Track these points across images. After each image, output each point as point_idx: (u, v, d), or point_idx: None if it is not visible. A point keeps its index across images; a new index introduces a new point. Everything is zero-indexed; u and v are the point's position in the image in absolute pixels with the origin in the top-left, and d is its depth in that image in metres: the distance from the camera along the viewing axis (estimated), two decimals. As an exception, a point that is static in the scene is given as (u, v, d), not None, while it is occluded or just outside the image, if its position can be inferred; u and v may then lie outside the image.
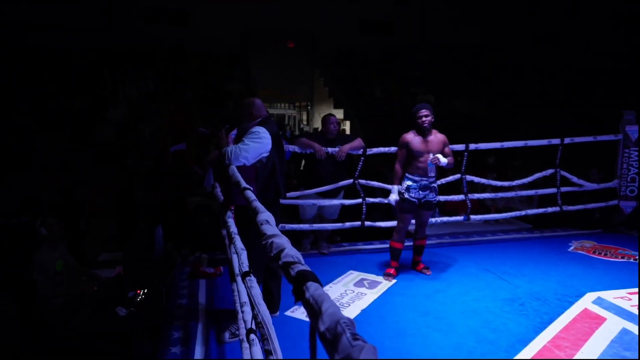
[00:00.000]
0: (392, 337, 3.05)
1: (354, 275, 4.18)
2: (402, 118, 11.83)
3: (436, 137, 4.04)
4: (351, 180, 4.78)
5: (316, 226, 4.75)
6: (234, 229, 2.46)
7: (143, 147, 7.26)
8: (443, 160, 3.89)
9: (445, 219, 5.26)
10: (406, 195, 4.02)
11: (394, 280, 4.06)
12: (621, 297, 3.69)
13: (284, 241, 1.27)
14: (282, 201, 4.68)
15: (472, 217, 5.22)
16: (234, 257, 2.32)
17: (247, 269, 1.94)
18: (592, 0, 13.98)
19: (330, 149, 4.58)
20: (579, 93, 12.68)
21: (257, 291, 1.74)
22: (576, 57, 13.89)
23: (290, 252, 1.19)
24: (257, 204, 1.75)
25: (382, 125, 11.34)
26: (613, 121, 5.77)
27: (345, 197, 4.93)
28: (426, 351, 2.85)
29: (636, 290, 3.83)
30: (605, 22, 13.80)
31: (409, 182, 3.99)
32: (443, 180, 5.16)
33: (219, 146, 2.92)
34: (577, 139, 5.47)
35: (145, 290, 3.36)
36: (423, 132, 4.00)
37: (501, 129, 10.28)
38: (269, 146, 2.95)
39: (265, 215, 1.57)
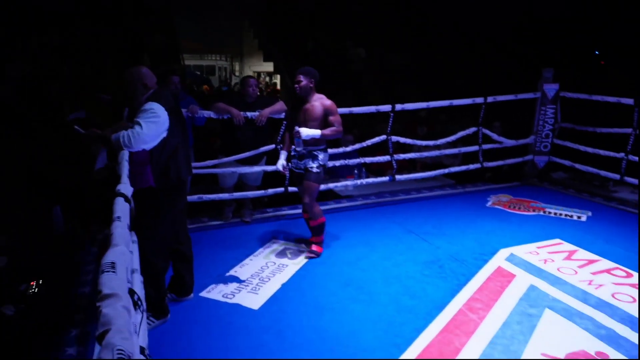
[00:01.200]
0: (311, 313, 2.97)
1: (276, 246, 4.05)
2: (333, 73, 11.57)
3: (314, 105, 3.67)
4: (273, 146, 4.55)
5: (237, 195, 4.52)
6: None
7: (45, 110, 6.48)
8: (304, 133, 3.56)
9: (371, 180, 5.22)
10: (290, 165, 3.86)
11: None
12: (530, 251, 3.87)
13: (116, 311, 0.95)
14: (200, 170, 4.41)
15: (397, 177, 5.23)
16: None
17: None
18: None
19: (249, 114, 4.29)
20: (505, 49, 12.95)
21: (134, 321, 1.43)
22: (505, 13, 14.03)
23: (115, 337, 0.86)
24: (115, 229, 1.46)
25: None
26: (533, 79, 5.89)
27: (268, 163, 4.72)
28: (345, 327, 2.82)
29: (544, 243, 4.03)
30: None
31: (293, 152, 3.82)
32: (369, 142, 5.08)
33: (101, 139, 2.57)
34: (500, 97, 5.54)
35: (41, 281, 3.01)
36: (301, 100, 3.74)
37: (433, 83, 10.34)
38: (167, 124, 2.63)
39: (114, 254, 1.23)
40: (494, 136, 5.61)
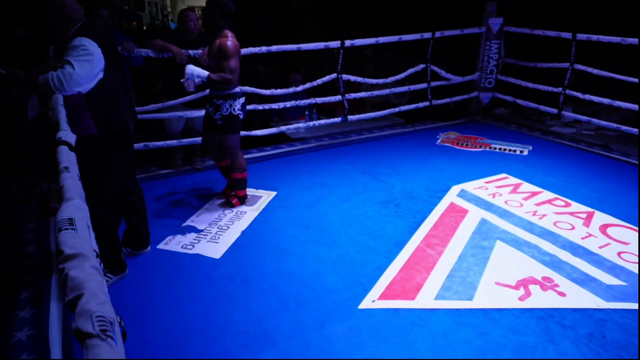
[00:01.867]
0: (274, 258, 2.97)
1: (232, 192, 3.94)
2: (275, 9, 10.96)
3: (214, 43, 3.32)
4: (221, 87, 4.29)
5: (185, 141, 4.29)
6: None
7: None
8: (188, 70, 3.22)
9: (323, 121, 5.14)
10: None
11: (275, 193, 3.93)
12: (479, 187, 4.05)
13: (86, 273, 0.84)
14: (144, 116, 4.10)
15: (350, 117, 5.18)
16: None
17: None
18: None
19: (192, 52, 3.97)
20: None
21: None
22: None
23: (90, 303, 0.75)
24: (66, 180, 1.30)
25: (255, 17, 10.40)
26: (477, 13, 5.88)
27: (217, 105, 4.46)
28: (309, 269, 2.84)
29: (491, 178, 4.23)
30: None
31: None
32: (319, 81, 4.94)
33: (27, 82, 2.26)
34: (447, 33, 5.52)
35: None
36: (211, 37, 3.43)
37: (378, 19, 10.10)
38: (102, 62, 2.35)
39: (70, 210, 1.08)
40: (442, 73, 5.64)
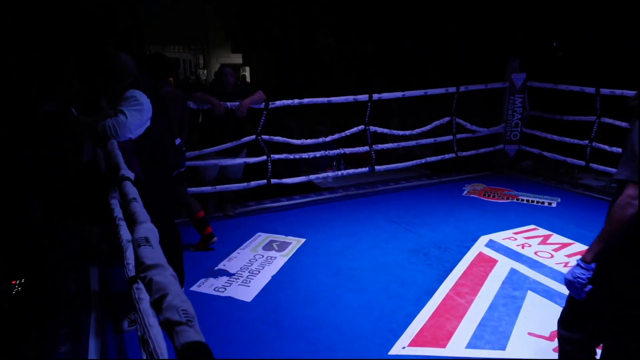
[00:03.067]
0: (304, 302, 3.00)
1: (262, 238, 4.04)
2: (303, 64, 11.53)
3: None
4: (254, 137, 4.52)
5: (219, 188, 4.47)
6: (118, 212, 2.12)
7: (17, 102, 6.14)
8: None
9: (350, 171, 5.27)
10: None
11: (304, 239, 4.01)
12: (508, 237, 4.03)
13: (167, 279, 0.99)
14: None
15: (377, 167, 5.30)
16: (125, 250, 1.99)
17: (133, 272, 1.64)
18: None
19: (229, 104, 4.23)
20: (473, 40, 13.27)
21: (145, 305, 1.43)
22: (470, 6, 14.34)
23: (175, 300, 0.90)
24: (136, 208, 1.44)
25: (284, 72, 10.97)
26: (501, 69, 6.08)
27: (248, 155, 4.68)
28: (340, 314, 2.86)
29: (520, 229, 4.21)
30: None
31: None
32: (348, 132, 5.12)
33: (86, 128, 2.48)
34: (471, 87, 5.70)
35: (23, 280, 2.89)
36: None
37: (404, 73, 10.48)
38: (150, 112, 2.57)
39: (144, 230, 1.25)
40: (468, 125, 5.77)
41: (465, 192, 5.37)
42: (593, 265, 1.75)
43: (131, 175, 1.85)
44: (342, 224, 4.37)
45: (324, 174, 5.23)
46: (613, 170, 5.04)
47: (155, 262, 1.04)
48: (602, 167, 5.23)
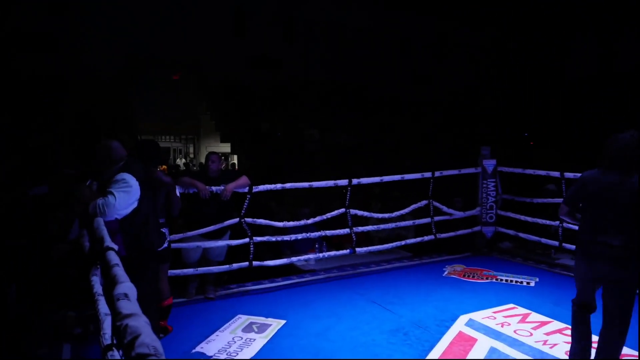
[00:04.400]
0: (282, 384, 2.94)
1: (242, 320, 4.01)
2: (288, 153, 12.05)
3: None
4: (237, 220, 4.65)
5: (201, 270, 4.50)
6: (97, 288, 2.17)
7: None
8: None
9: (332, 253, 5.36)
10: None
11: (284, 321, 3.98)
12: (487, 316, 4.06)
13: (141, 323, 1.10)
14: (164, 245, 4.38)
15: (358, 249, 5.40)
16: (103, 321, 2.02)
17: (109, 341, 1.68)
18: (458, 44, 15.66)
19: (214, 188, 4.42)
20: (448, 129, 14.16)
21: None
22: (446, 96, 15.49)
23: (146, 339, 1.00)
24: (118, 271, 1.55)
25: (270, 160, 11.42)
26: (474, 155, 6.48)
27: (232, 237, 4.78)
28: (317, 396, 2.80)
29: (499, 308, 4.25)
30: (468, 65, 15.56)
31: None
32: (329, 215, 5.29)
33: (82, 200, 2.63)
34: (446, 172, 6.03)
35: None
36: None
37: (383, 161, 10.99)
38: (138, 194, 2.74)
39: (124, 288, 1.37)
40: (444, 208, 6.00)
41: (446, 272, 5.44)
42: None
43: (115, 247, 1.95)
44: (323, 305, 4.36)
45: (306, 256, 5.30)
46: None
47: (131, 311, 1.14)
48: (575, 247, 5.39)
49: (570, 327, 3.78)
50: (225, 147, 14.85)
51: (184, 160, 18.51)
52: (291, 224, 5.05)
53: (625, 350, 2.99)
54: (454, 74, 14.76)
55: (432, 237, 5.93)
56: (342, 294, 4.70)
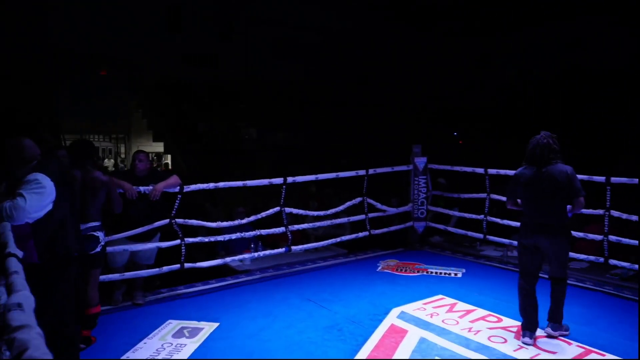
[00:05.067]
0: (213, 389, 2.86)
1: (173, 325, 3.85)
2: (226, 152, 11.82)
3: None
4: (167, 221, 4.47)
5: (128, 274, 4.27)
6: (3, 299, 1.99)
7: None
8: None
9: (267, 252, 5.31)
10: None
11: (217, 324, 3.88)
12: (418, 308, 4.20)
13: (31, 336, 0.98)
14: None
15: (293, 247, 5.40)
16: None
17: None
18: (395, 45, 16.02)
19: (142, 188, 4.22)
20: (382, 127, 14.52)
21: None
22: (381, 97, 15.83)
23: (35, 353, 0.90)
24: (15, 279, 1.42)
25: (206, 159, 11.13)
26: (406, 153, 6.69)
27: (163, 239, 4.59)
28: (248, 397, 2.75)
29: (429, 300, 4.42)
30: (403, 65, 16.00)
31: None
32: (264, 214, 5.24)
33: None
34: (379, 170, 6.17)
35: None
36: None
37: (321, 160, 11.06)
38: (53, 195, 2.54)
39: (18, 297, 1.23)
40: (378, 205, 6.15)
41: (380, 267, 5.58)
42: None
43: (19, 253, 1.79)
44: (258, 305, 4.31)
45: (241, 256, 5.21)
46: (506, 241, 5.57)
47: (22, 323, 1.03)
48: (497, 239, 5.74)
49: (492, 313, 4.05)
50: (159, 147, 14.30)
51: (112, 160, 17.59)
52: (225, 224, 4.95)
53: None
54: (388, 75, 15.17)
55: (366, 233, 6.05)
56: (278, 293, 4.67)
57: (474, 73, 13.46)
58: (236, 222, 5.07)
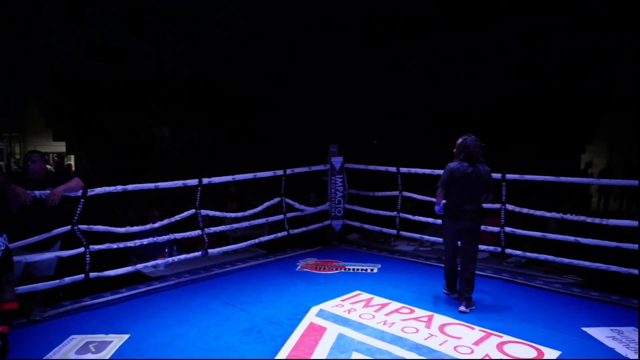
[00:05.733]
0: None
1: (76, 341, 3.55)
2: (137, 152, 11.18)
3: None
4: (69, 227, 4.12)
5: (22, 288, 3.86)
6: None
7: None
8: None
9: (182, 256, 5.10)
10: None
11: (128, 335, 3.65)
12: (336, 305, 4.29)
13: None
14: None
15: (211, 250, 5.24)
16: None
17: None
18: (309, 45, 16.13)
19: (38, 192, 3.85)
20: (301, 127, 14.61)
21: None
22: (301, 97, 15.89)
23: None
24: None
25: (115, 160, 10.43)
26: (324, 152, 6.79)
27: (65, 247, 4.22)
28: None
29: (347, 296, 4.53)
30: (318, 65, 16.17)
31: None
32: (178, 217, 5.03)
33: None
34: (297, 170, 6.21)
35: None
36: None
37: (238, 159, 10.86)
38: None
39: None
40: (296, 205, 6.19)
41: (299, 267, 5.61)
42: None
43: None
44: (172, 313, 4.12)
45: (154, 262, 4.96)
46: (418, 236, 5.88)
47: None
48: (410, 234, 6.04)
49: (405, 305, 4.25)
50: (60, 146, 13.13)
51: (3, 162, 15.83)
52: (135, 228, 4.66)
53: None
54: (306, 74, 15.31)
55: (285, 233, 6.05)
56: (195, 298, 4.51)
57: (388, 74, 14.05)
58: (148, 226, 4.81)
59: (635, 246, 4.27)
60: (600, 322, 3.87)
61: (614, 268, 4.37)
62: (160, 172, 10.31)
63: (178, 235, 5.01)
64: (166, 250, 5.40)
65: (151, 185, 4.81)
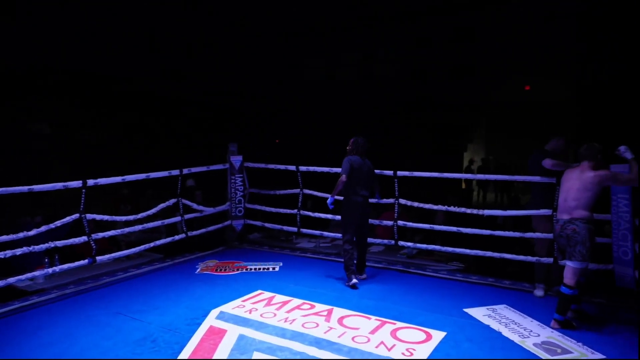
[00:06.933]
0: None
1: None
2: (9, 153, 9.98)
3: None
4: None
5: None
6: None
7: None
8: None
9: (65, 266, 4.64)
10: None
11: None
12: (237, 306, 4.22)
13: None
14: None
15: (99, 258, 4.84)
16: None
17: None
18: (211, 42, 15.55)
19: None
20: (201, 126, 14.10)
21: None
22: (200, 94, 15.27)
23: None
24: None
25: None
26: (223, 152, 6.63)
27: None
28: None
29: (248, 296, 4.47)
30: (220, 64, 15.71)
31: None
32: (58, 223, 4.57)
33: None
34: (194, 169, 5.99)
35: None
36: None
37: (135, 160, 10.13)
38: None
39: None
40: (194, 205, 5.97)
41: (198, 270, 5.42)
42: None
43: None
44: (54, 329, 3.73)
45: (31, 274, 4.44)
46: (318, 232, 6.01)
47: None
48: (310, 231, 6.15)
49: (306, 301, 4.31)
50: None
51: None
52: (5, 238, 4.13)
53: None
54: (206, 72, 14.81)
55: (183, 235, 5.81)
56: (80, 311, 4.12)
57: (287, 74, 14.15)
58: (21, 234, 4.28)
59: (506, 233, 4.81)
60: (479, 303, 4.29)
61: (489, 254, 4.87)
62: (40, 173, 9.26)
63: (59, 243, 4.54)
64: (46, 260, 4.87)
65: (24, 188, 4.29)
